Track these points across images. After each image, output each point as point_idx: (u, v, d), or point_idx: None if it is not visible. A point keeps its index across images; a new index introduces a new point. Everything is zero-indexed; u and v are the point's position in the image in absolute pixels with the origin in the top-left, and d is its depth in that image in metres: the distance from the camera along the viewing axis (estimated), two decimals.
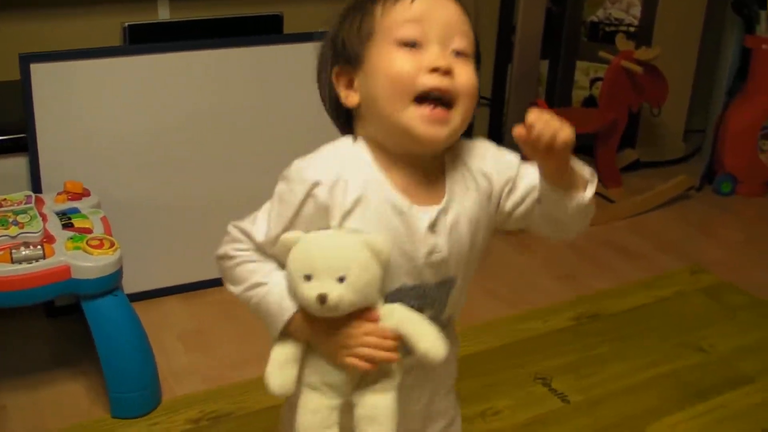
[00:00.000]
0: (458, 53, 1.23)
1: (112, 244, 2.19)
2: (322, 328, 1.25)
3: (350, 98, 1.29)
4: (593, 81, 4.02)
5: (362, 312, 1.23)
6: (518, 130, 1.18)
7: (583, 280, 3.09)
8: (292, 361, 1.27)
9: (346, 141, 1.31)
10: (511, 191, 1.35)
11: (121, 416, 2.26)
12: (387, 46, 1.23)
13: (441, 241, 1.27)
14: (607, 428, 2.32)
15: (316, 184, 1.24)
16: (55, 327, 2.68)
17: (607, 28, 3.98)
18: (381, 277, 1.21)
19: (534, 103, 3.54)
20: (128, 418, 2.26)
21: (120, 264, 2.19)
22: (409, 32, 1.22)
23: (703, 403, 2.45)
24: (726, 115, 3.91)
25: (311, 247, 1.21)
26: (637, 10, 3.93)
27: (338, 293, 1.18)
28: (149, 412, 2.28)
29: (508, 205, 1.35)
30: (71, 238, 2.19)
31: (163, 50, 2.66)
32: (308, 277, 1.19)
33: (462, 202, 1.30)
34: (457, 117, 1.23)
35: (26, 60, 2.47)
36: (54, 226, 2.25)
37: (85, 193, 2.48)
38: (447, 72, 1.20)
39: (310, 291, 1.18)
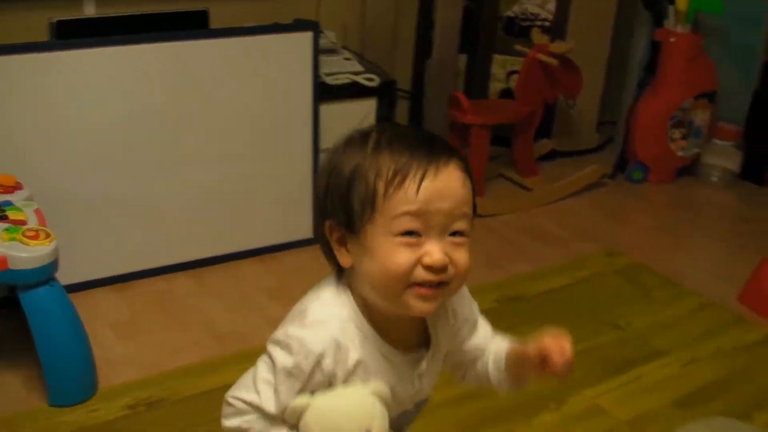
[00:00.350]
0: (456, 234, 1.26)
1: (48, 235, 2.23)
2: None
3: (342, 258, 1.31)
4: (509, 74, 4.14)
5: None
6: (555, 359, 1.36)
7: (504, 264, 3.20)
8: None
9: (332, 296, 1.35)
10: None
11: (60, 404, 2.30)
12: (386, 236, 1.24)
13: (425, 382, 1.40)
14: (531, 401, 2.43)
15: (321, 356, 1.27)
16: None
17: (522, 23, 4.10)
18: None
19: (452, 96, 3.64)
20: (66, 406, 2.30)
21: (56, 254, 2.23)
22: (410, 226, 1.23)
23: (620, 376, 2.59)
24: (637, 106, 4.06)
25: (332, 412, 1.27)
26: (551, 5, 4.06)
27: None
28: (87, 400, 2.33)
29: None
30: (6, 230, 2.22)
31: (92, 45, 2.69)
32: None
33: (442, 342, 1.42)
34: (448, 293, 1.29)
35: None
36: None
37: (18, 187, 2.50)
38: (442, 269, 1.24)
39: None
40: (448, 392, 2.39)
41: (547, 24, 4.06)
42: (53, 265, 2.23)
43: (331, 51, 3.31)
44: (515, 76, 4.05)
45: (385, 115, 3.28)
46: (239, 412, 1.33)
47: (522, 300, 2.96)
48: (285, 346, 1.29)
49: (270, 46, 2.98)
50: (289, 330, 1.29)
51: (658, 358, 2.70)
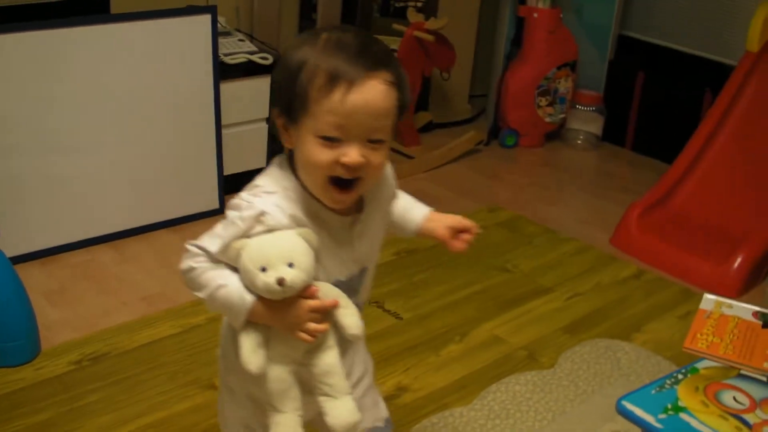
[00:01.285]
0: (375, 141, 1.42)
1: None
2: (276, 311, 1.48)
3: (285, 141, 1.51)
4: None
5: (304, 290, 1.48)
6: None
7: None
8: (260, 345, 1.51)
9: (278, 172, 1.53)
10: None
11: (8, 365, 2.45)
12: (312, 136, 1.42)
13: (364, 243, 1.59)
14: (436, 337, 2.72)
15: (263, 213, 1.46)
16: None
17: (396, 4, 4.36)
18: (314, 258, 1.48)
19: None
20: (14, 365, 2.46)
21: None
22: (332, 132, 1.40)
23: (513, 311, 2.90)
24: (506, 77, 4.37)
25: (262, 245, 1.45)
26: None
27: (292, 275, 1.44)
28: (32, 359, 2.49)
29: None
30: None
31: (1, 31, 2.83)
32: (264, 269, 1.44)
33: (376, 208, 1.61)
34: (363, 188, 1.48)
35: None
36: None
37: None
38: (357, 168, 1.42)
39: (269, 278, 1.43)
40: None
41: (419, 4, 4.33)
42: None
43: (225, 33, 3.50)
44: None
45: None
46: (192, 256, 1.49)
47: (417, 252, 3.23)
48: (236, 206, 1.48)
49: (171, 29, 3.15)
50: (242, 195, 1.50)
51: (545, 294, 3.02)
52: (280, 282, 1.43)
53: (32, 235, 3.00)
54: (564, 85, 4.40)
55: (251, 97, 3.41)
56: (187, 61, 3.21)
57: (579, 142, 4.48)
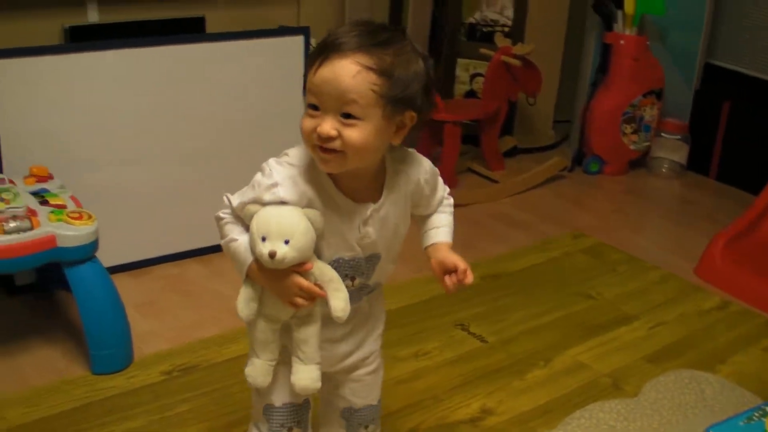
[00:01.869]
0: (347, 116, 1.52)
1: (90, 216, 2.47)
2: (269, 278, 1.63)
3: None
4: (473, 76, 4.43)
5: (298, 265, 1.62)
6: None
7: (480, 246, 3.49)
8: (254, 298, 1.68)
9: (299, 152, 1.65)
10: (425, 207, 1.79)
11: (101, 372, 2.52)
12: (306, 104, 1.56)
13: (371, 230, 1.67)
14: (521, 361, 2.72)
15: (276, 184, 1.59)
16: (17, 304, 2.89)
17: (483, 29, 4.40)
18: (315, 240, 1.61)
19: None
20: (108, 373, 2.52)
21: (97, 234, 2.47)
22: (311, 100, 1.53)
23: (597, 338, 2.89)
24: (591, 104, 4.37)
25: (268, 216, 1.58)
26: (509, 12, 4.37)
27: (283, 252, 1.57)
28: (125, 368, 2.56)
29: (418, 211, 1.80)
30: (52, 212, 2.45)
31: (104, 48, 2.91)
32: (264, 239, 1.58)
33: (395, 201, 1.69)
34: (345, 160, 1.56)
35: None
36: (32, 203, 2.50)
37: (50, 176, 2.73)
38: (328, 139, 1.52)
39: (264, 249, 1.57)
40: (449, 353, 2.71)
41: (506, 29, 4.36)
42: (95, 243, 2.47)
43: None
44: (478, 78, 4.36)
45: None
46: (223, 206, 1.69)
47: (502, 277, 3.25)
48: (261, 169, 1.62)
49: (263, 49, 3.22)
50: (270, 160, 1.63)
51: (629, 323, 3.00)
52: (271, 255, 1.56)
53: (126, 247, 3.07)
54: (649, 113, 4.38)
55: None
56: (279, 81, 3.26)
57: (663, 170, 4.46)
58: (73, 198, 2.61)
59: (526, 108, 4.44)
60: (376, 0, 3.99)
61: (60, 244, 2.40)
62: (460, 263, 1.71)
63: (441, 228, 1.80)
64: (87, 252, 2.45)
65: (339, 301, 1.65)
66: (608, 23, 4.32)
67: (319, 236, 1.62)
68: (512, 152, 4.49)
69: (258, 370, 1.75)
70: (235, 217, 1.67)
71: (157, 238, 3.15)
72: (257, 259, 1.61)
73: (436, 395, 2.52)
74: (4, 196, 2.44)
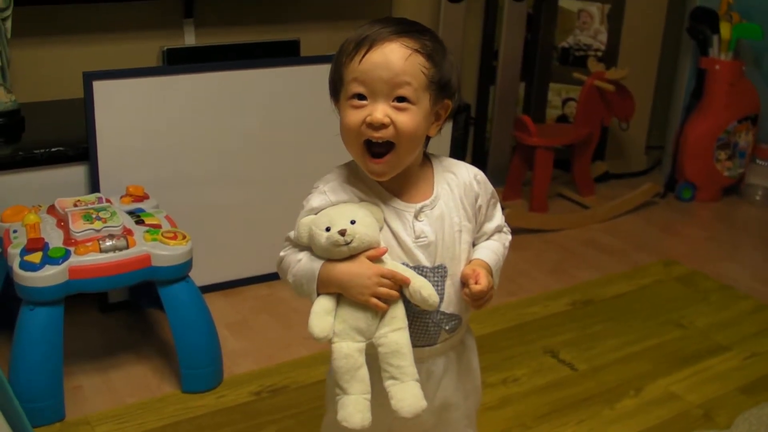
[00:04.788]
0: (401, 100, 1.50)
1: (185, 237, 2.51)
2: (344, 272, 1.55)
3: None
4: (565, 101, 4.41)
5: (372, 253, 1.56)
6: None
7: (571, 272, 3.46)
8: (328, 312, 1.58)
9: (346, 167, 1.67)
10: (484, 216, 1.71)
11: (192, 390, 2.55)
12: (344, 99, 1.54)
13: (427, 229, 1.60)
14: (611, 389, 2.68)
15: (323, 192, 1.62)
16: (110, 321, 2.96)
17: (576, 53, 4.38)
18: (378, 227, 1.57)
19: (520, 120, 3.92)
20: (198, 392, 2.55)
21: (191, 254, 2.51)
22: (356, 89, 1.51)
23: (689, 368, 2.83)
24: (685, 129, 4.31)
25: (327, 212, 1.57)
26: (603, 36, 4.34)
27: (353, 228, 1.53)
28: (215, 387, 2.58)
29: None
30: (147, 231, 2.50)
31: (201, 70, 2.96)
32: (328, 228, 1.54)
33: (447, 201, 1.63)
34: (395, 159, 1.54)
35: (89, 77, 2.76)
36: (128, 222, 2.55)
37: (146, 196, 2.78)
38: (382, 125, 1.50)
39: (331, 232, 1.53)
40: (537, 380, 2.68)
41: (599, 54, 4.33)
42: (189, 263, 2.51)
43: None
44: (570, 103, 4.33)
45: (460, 136, 3.52)
46: (282, 248, 1.68)
47: (592, 303, 3.22)
48: (309, 195, 1.65)
49: None
50: (317, 183, 1.67)
51: (721, 353, 2.94)
52: (342, 233, 1.52)
53: (217, 266, 3.12)
54: (744, 139, 4.31)
55: (432, 140, 3.45)
56: None
57: (758, 197, 4.38)
58: (168, 218, 2.65)
59: (619, 133, 4.40)
60: (469, 24, 3.99)
61: (155, 263, 2.44)
62: (478, 276, 1.59)
63: (482, 249, 1.69)
64: (181, 271, 2.49)
65: (426, 287, 1.55)
66: (703, 48, 4.27)
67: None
68: (604, 178, 4.45)
69: (352, 407, 1.55)
70: (294, 246, 1.66)
71: (250, 258, 3.18)
72: (328, 261, 1.57)
73: (524, 423, 2.49)
74: (101, 215, 2.49)
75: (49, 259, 2.31)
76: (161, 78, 2.91)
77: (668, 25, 4.46)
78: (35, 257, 2.31)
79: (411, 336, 1.58)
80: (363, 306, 1.55)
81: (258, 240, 3.16)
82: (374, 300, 1.54)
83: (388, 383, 1.55)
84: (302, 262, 1.60)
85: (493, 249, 1.69)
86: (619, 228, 3.99)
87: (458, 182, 1.66)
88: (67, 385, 2.49)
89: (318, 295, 1.59)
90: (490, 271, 1.64)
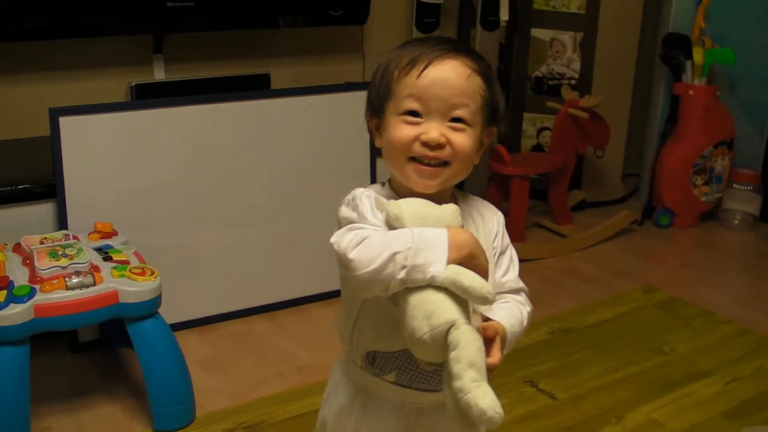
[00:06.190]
0: (457, 120, 1.43)
1: (153, 272, 2.46)
2: (472, 237, 1.39)
3: (377, 141, 1.55)
4: (540, 130, 4.40)
5: None
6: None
7: (551, 301, 3.42)
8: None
9: (375, 186, 1.55)
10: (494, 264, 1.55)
11: (163, 429, 2.49)
12: (396, 115, 1.46)
13: None
14: (593, 418, 2.64)
15: (369, 196, 1.44)
16: (81, 360, 2.89)
17: (550, 82, 4.37)
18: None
19: (495, 150, 3.90)
20: (170, 431, 2.49)
21: (160, 290, 2.46)
22: (411, 106, 1.43)
23: (670, 394, 2.79)
24: (661, 156, 4.30)
25: (414, 207, 1.40)
26: (576, 65, 4.33)
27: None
28: (187, 425, 2.52)
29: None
30: (115, 268, 2.45)
31: (170, 105, 2.94)
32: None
33: (477, 235, 1.45)
34: (447, 173, 1.45)
35: (55, 113, 2.73)
36: (96, 258, 2.50)
37: (114, 233, 2.73)
38: (438, 146, 1.42)
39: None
40: (517, 410, 2.64)
41: (573, 82, 4.33)
42: (158, 299, 2.46)
43: None
44: (545, 132, 4.32)
45: None
46: (350, 229, 1.38)
47: (572, 332, 3.18)
48: (346, 202, 1.45)
49: (329, 104, 3.22)
50: (348, 195, 1.47)
51: (703, 378, 2.90)
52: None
53: (191, 303, 3.07)
54: (720, 164, 4.30)
55: None
56: (344, 136, 3.26)
57: (736, 222, 4.35)
58: (136, 254, 2.60)
59: (595, 161, 4.38)
60: None
61: (122, 299, 2.39)
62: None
63: (501, 311, 1.50)
64: (149, 308, 2.43)
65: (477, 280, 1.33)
66: (677, 74, 4.27)
67: None
68: (581, 206, 4.42)
69: (491, 394, 1.28)
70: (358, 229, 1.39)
71: (224, 294, 3.13)
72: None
73: None
74: (67, 251, 2.44)
75: (13, 298, 2.25)
76: (129, 113, 2.89)
77: (641, 52, 4.45)
78: None
79: (415, 379, 1.51)
80: (454, 295, 1.34)
81: (233, 275, 3.13)
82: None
83: (470, 385, 1.29)
84: (415, 231, 1.35)
85: (512, 313, 1.51)
86: (598, 256, 3.95)
87: (485, 223, 1.57)
88: (37, 427, 2.44)
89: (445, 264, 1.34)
90: (504, 339, 1.44)
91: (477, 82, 1.45)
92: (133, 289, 2.39)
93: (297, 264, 3.25)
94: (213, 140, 3.01)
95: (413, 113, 1.44)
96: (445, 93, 1.42)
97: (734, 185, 4.36)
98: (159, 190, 2.94)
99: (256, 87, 3.40)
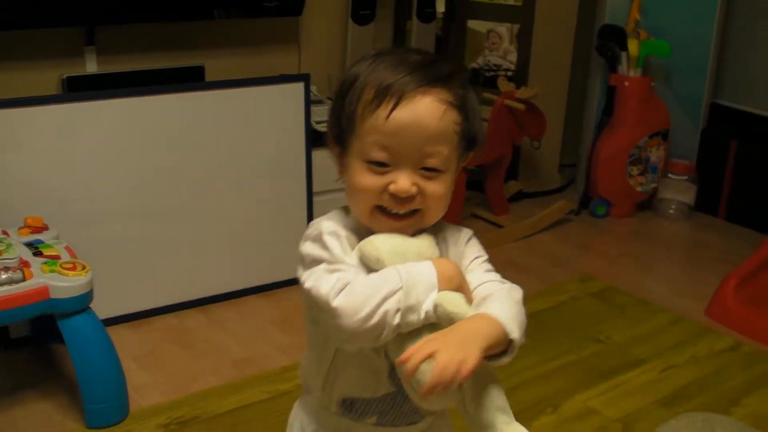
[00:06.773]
0: (429, 170, 1.27)
1: (84, 267, 2.42)
2: (457, 267, 1.31)
3: (339, 169, 1.37)
4: None
5: None
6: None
7: None
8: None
9: (338, 213, 1.38)
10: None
11: (97, 426, 2.46)
12: (359, 160, 1.29)
13: None
14: (529, 408, 2.64)
15: (335, 231, 1.30)
16: (13, 357, 2.84)
17: (487, 74, 4.38)
18: None
19: None
20: (103, 427, 2.46)
21: (92, 285, 2.42)
22: (377, 156, 1.26)
23: (606, 382, 2.82)
24: (597, 146, 4.33)
25: (393, 245, 1.29)
26: (513, 56, 4.35)
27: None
28: (121, 421, 2.49)
29: None
30: (45, 263, 2.41)
31: (103, 97, 2.90)
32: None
33: (455, 256, 1.39)
34: (419, 219, 1.31)
35: None
36: (26, 254, 2.46)
37: (45, 227, 2.69)
38: (408, 199, 1.27)
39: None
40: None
41: (509, 73, 4.34)
42: (89, 294, 2.42)
43: (317, 102, 3.53)
44: (483, 124, 4.31)
45: None
46: (328, 272, 1.26)
47: None
48: (312, 238, 1.31)
49: (264, 97, 3.20)
50: (308, 228, 1.33)
51: (639, 366, 2.93)
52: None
53: (124, 298, 3.03)
54: (656, 154, 4.34)
55: None
56: (280, 129, 3.24)
57: (671, 211, 4.40)
58: (68, 249, 2.56)
59: (531, 152, 4.40)
60: (377, 47, 3.96)
61: (53, 295, 2.35)
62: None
63: (489, 300, 1.34)
64: (80, 303, 2.40)
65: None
66: (612, 65, 4.30)
67: None
68: (517, 197, 4.44)
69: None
70: (331, 272, 1.26)
71: (157, 288, 3.10)
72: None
73: None
74: None
75: None
76: (60, 106, 2.85)
77: (577, 43, 4.48)
78: None
79: (398, 417, 1.41)
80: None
81: (166, 269, 3.10)
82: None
83: (501, 420, 1.28)
84: (400, 269, 1.25)
85: (499, 296, 1.36)
86: (535, 246, 3.97)
87: (455, 246, 1.41)
88: None
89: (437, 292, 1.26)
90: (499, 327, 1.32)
91: (452, 117, 1.28)
92: (64, 284, 2.36)
93: (231, 257, 3.23)
94: (146, 133, 2.98)
95: (380, 164, 1.28)
96: (416, 140, 1.25)
97: (669, 175, 4.40)
98: (91, 184, 2.90)
99: (190, 79, 3.36)
